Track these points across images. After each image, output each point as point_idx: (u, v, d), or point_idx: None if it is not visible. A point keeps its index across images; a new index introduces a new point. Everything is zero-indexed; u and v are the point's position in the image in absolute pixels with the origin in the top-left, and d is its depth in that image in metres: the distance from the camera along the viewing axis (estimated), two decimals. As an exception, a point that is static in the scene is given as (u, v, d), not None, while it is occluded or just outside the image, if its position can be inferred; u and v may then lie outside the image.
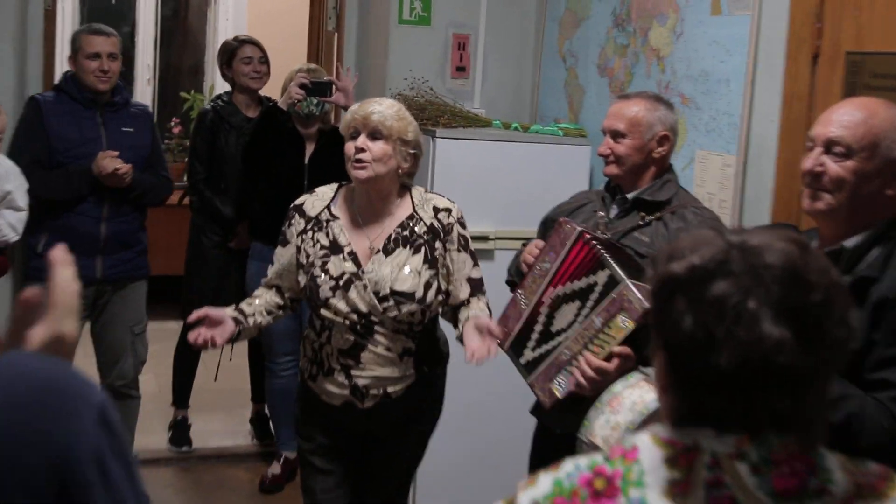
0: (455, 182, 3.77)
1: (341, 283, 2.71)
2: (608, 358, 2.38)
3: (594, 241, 2.46)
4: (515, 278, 2.80)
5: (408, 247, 2.73)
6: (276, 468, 4.26)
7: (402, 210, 2.79)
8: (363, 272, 2.71)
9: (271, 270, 2.87)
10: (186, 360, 4.55)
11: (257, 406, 4.77)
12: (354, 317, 2.69)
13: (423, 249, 2.74)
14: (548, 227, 2.84)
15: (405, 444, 2.93)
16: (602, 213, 2.72)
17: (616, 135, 2.68)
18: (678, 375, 1.12)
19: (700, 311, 1.07)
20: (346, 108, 3.89)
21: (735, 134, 3.11)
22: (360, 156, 2.69)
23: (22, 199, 3.40)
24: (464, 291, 2.79)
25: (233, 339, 2.73)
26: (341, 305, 2.70)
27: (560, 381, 2.49)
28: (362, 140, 2.70)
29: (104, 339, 3.85)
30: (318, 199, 2.85)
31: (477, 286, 2.82)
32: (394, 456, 2.93)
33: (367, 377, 2.74)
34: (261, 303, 2.83)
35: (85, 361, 4.70)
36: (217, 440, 4.67)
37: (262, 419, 4.72)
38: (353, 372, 2.74)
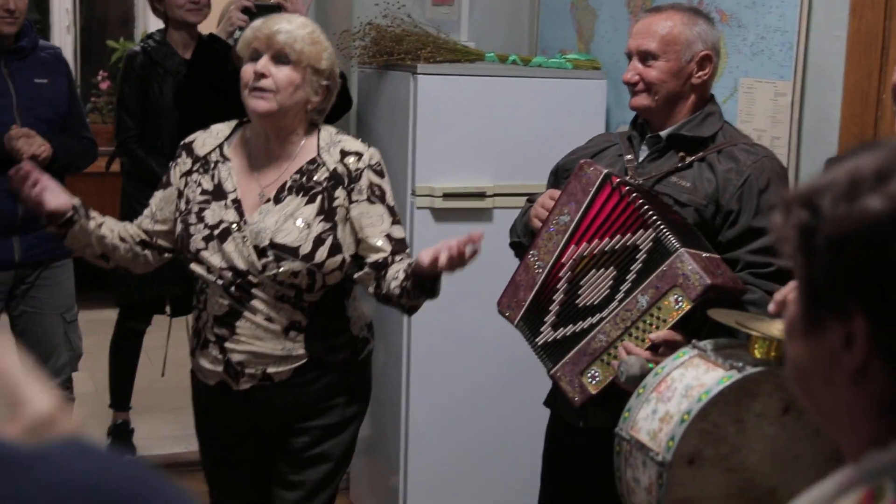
0: (442, 129, 3.72)
1: (216, 232, 2.63)
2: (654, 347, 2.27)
3: (628, 188, 2.36)
4: (523, 239, 2.71)
5: (301, 194, 2.64)
6: None
7: (305, 154, 2.70)
8: (245, 223, 2.63)
9: (142, 215, 2.79)
10: (125, 354, 4.47)
11: None
12: (229, 274, 2.60)
13: (318, 199, 2.63)
14: (559, 177, 2.77)
15: (300, 444, 2.76)
16: (629, 157, 2.62)
17: (646, 56, 2.55)
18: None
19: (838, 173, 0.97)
20: None
21: (789, 55, 3.03)
22: (261, 83, 2.58)
23: None
24: (381, 250, 2.63)
25: (63, 236, 2.63)
26: (214, 259, 2.62)
27: (594, 373, 2.37)
28: (264, 63, 2.59)
29: (31, 331, 3.77)
30: (210, 137, 2.77)
31: (399, 247, 2.65)
32: (289, 461, 2.78)
33: (241, 351, 2.65)
34: (114, 223, 2.73)
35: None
36: (165, 446, 4.62)
37: None
38: (226, 344, 2.66)
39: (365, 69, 4.05)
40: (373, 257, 2.62)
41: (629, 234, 2.33)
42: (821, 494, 0.95)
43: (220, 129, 2.78)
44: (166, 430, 4.74)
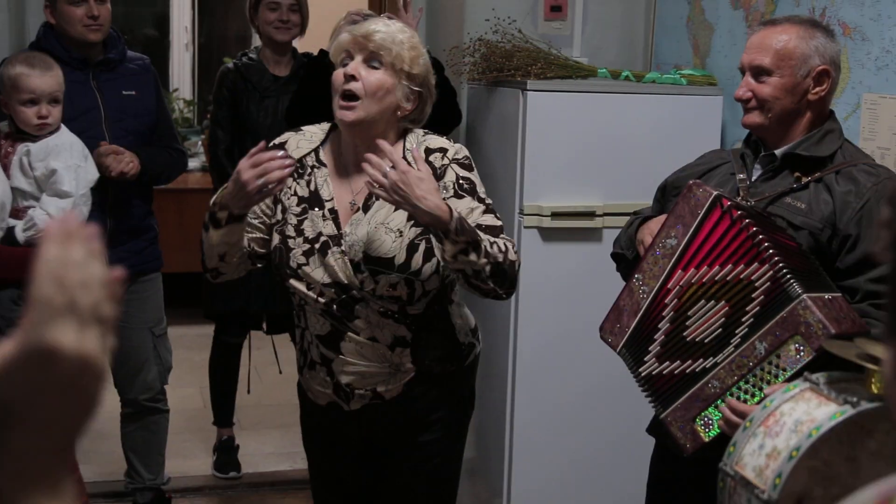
0: (551, 146, 3.68)
1: (317, 246, 2.54)
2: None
3: (740, 212, 2.25)
4: (626, 252, 2.64)
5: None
6: None
7: None
8: (343, 235, 2.54)
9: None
10: (223, 369, 4.49)
11: None
12: (332, 291, 2.51)
13: None
14: (667, 194, 2.69)
15: (415, 458, 2.72)
16: (742, 176, 2.51)
17: (759, 72, 2.45)
18: None
19: None
20: None
21: None
22: (350, 86, 2.47)
23: (69, 182, 3.28)
24: None
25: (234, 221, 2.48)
26: (317, 275, 2.52)
27: (707, 420, 2.27)
28: (355, 65, 2.49)
29: (121, 346, 3.67)
30: (304, 139, 2.66)
31: (493, 234, 2.50)
32: (403, 474, 2.74)
33: (349, 373, 2.58)
34: None
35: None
36: (270, 464, 4.62)
37: None
38: (333, 366, 2.59)
39: (475, 85, 4.03)
40: None
41: (742, 266, 2.23)
42: None
43: (314, 132, 2.69)
44: (272, 447, 4.75)
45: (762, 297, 2.19)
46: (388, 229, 2.50)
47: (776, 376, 2.15)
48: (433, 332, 2.59)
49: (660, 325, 2.38)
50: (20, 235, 3.20)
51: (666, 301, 2.36)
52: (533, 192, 3.66)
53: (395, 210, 2.47)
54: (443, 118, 3.89)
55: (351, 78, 2.46)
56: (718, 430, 2.24)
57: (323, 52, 3.78)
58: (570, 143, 3.67)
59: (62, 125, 3.34)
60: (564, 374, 3.69)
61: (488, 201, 2.56)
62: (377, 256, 2.48)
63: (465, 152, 2.59)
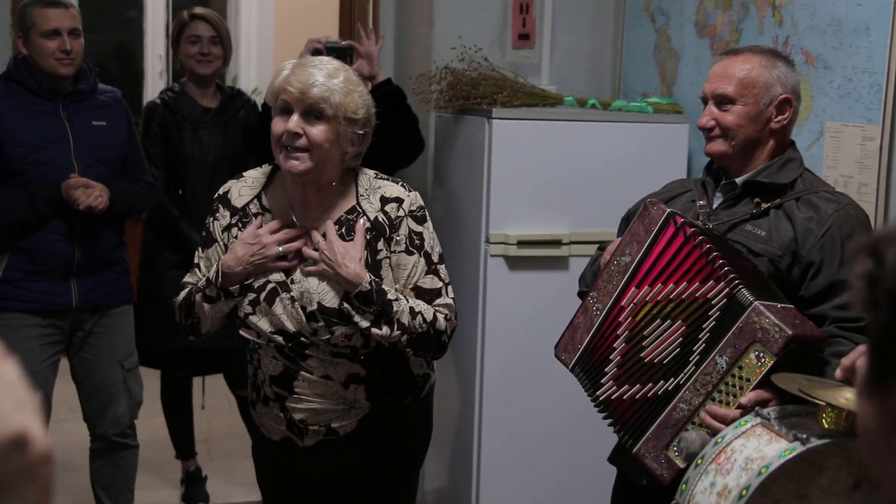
0: (518, 174, 3.72)
1: (263, 295, 2.55)
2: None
3: (693, 229, 2.26)
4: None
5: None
6: None
7: (345, 202, 2.61)
8: (292, 281, 2.55)
9: (195, 276, 2.70)
10: (175, 403, 4.51)
11: None
12: (280, 338, 2.54)
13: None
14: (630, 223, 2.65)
15: (370, 490, 2.76)
16: (702, 202, 2.53)
17: (722, 101, 2.46)
18: None
19: None
20: (371, 79, 3.76)
21: (878, 97, 2.91)
22: (297, 143, 2.49)
23: None
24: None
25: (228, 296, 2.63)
26: (263, 324, 2.55)
27: (680, 446, 2.24)
28: (296, 122, 2.48)
29: (90, 379, 3.74)
30: (245, 186, 2.68)
31: (427, 299, 2.57)
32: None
33: (302, 409, 2.62)
34: None
35: (65, 409, 4.65)
36: (239, 495, 4.59)
37: None
38: (287, 403, 2.62)
39: (442, 113, 4.04)
40: None
41: (697, 284, 2.23)
42: None
43: (256, 178, 2.70)
44: (242, 476, 4.67)
45: (718, 313, 2.18)
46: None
47: (741, 388, 2.14)
48: (387, 366, 2.60)
49: (615, 345, 2.38)
50: None
51: (620, 319, 2.36)
52: (499, 220, 3.68)
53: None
54: (405, 147, 3.90)
55: (294, 135, 2.46)
56: (690, 453, 2.23)
57: None
58: (536, 171, 3.70)
59: None
60: (532, 403, 3.69)
61: (435, 258, 2.60)
62: (332, 307, 2.50)
63: (419, 202, 2.62)
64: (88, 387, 3.72)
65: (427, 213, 2.62)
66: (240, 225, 2.62)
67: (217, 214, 2.66)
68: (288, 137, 2.47)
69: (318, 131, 2.47)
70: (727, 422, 2.09)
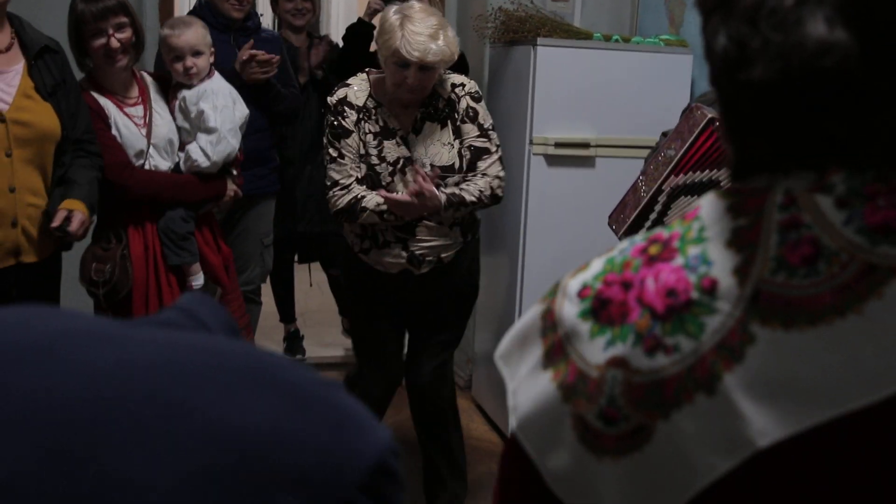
0: (556, 90, 3.96)
1: (398, 167, 2.94)
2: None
3: None
4: None
5: (435, 122, 2.97)
6: None
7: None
8: (414, 154, 2.94)
9: (342, 166, 2.97)
10: (279, 278, 4.91)
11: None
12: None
13: (448, 123, 2.96)
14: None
15: (459, 299, 3.23)
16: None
17: None
18: (727, 116, 0.91)
19: (732, 24, 0.86)
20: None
21: None
22: (416, 94, 2.89)
23: (214, 119, 3.34)
24: (463, 157, 2.96)
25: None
26: (400, 188, 2.94)
27: None
28: (414, 74, 2.84)
29: (235, 249, 3.90)
30: (358, 90, 3.01)
31: (476, 155, 2.95)
32: (449, 305, 3.22)
33: (423, 247, 3.01)
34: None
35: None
36: (329, 351, 5.14)
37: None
38: (409, 243, 3.00)
39: (496, 46, 4.30)
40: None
41: (715, 170, 2.40)
42: None
43: (359, 84, 3.02)
44: (330, 338, 5.26)
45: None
46: (442, 143, 2.96)
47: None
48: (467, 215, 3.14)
49: (650, 216, 2.56)
50: (182, 166, 3.36)
51: (658, 199, 2.52)
52: (540, 126, 3.95)
53: (442, 129, 2.97)
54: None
55: (413, 88, 2.87)
56: None
57: (359, 20, 4.21)
58: (570, 89, 3.94)
59: (216, 73, 3.49)
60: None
61: (486, 126, 2.99)
62: (442, 165, 2.94)
63: (476, 87, 3.04)
64: (235, 253, 3.84)
65: (482, 95, 3.04)
66: (365, 118, 2.97)
67: (346, 113, 2.98)
68: (407, 87, 2.87)
69: (429, 76, 2.89)
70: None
